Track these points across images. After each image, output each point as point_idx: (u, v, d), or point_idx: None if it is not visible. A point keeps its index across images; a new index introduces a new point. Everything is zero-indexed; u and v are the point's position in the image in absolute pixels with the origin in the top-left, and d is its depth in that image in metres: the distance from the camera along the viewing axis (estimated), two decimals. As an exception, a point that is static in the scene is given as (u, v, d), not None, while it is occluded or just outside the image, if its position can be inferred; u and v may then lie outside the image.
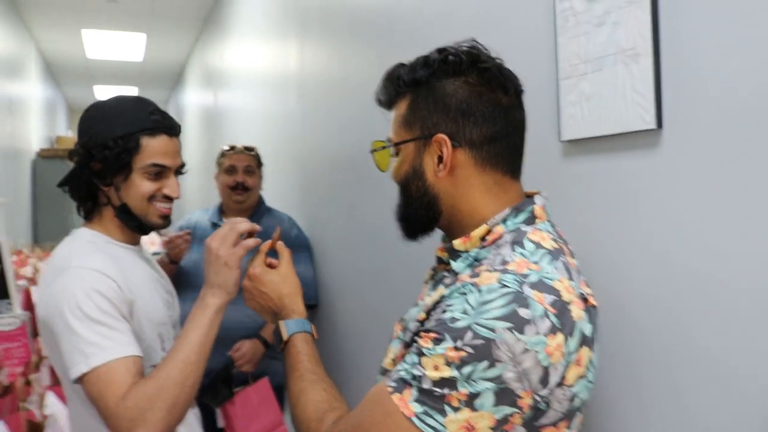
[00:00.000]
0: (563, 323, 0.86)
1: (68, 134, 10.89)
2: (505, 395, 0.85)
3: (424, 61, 1.02)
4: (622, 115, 1.10)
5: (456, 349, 0.85)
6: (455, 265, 1.00)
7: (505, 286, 0.87)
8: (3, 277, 3.22)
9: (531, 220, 0.99)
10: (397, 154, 1.06)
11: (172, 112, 12.10)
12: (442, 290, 0.97)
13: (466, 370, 0.84)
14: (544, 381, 0.85)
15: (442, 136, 0.99)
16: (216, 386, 2.46)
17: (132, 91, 10.98)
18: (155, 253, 2.57)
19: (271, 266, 1.29)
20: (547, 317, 0.85)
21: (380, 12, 2.18)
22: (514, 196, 1.02)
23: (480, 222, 1.00)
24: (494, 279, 0.88)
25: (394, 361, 1.02)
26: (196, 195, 7.46)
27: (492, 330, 0.84)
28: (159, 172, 1.45)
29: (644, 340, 1.09)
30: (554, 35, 1.26)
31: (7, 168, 5.76)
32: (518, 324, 0.84)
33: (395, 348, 1.05)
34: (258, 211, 2.80)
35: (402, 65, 1.06)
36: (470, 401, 0.85)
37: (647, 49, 1.05)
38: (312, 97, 2.99)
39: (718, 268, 0.95)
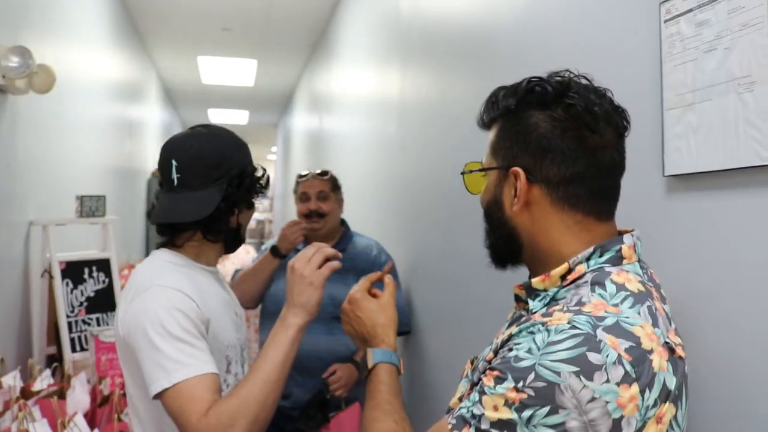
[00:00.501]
0: (640, 373, 0.79)
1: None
2: None
3: (514, 90, 0.98)
4: (734, 150, 1.00)
5: (517, 390, 0.81)
6: (533, 304, 0.95)
7: (576, 327, 0.81)
8: (111, 291, 3.39)
9: (618, 260, 0.93)
10: (484, 176, 1.05)
11: (279, 135, 12.63)
12: (513, 329, 0.91)
13: (526, 413, 0.80)
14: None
15: (517, 169, 0.95)
16: (311, 412, 2.42)
17: (243, 114, 11.45)
18: (266, 248, 2.67)
19: (373, 296, 1.28)
20: (621, 364, 0.78)
21: (481, 37, 2.13)
22: (602, 235, 0.95)
23: (560, 261, 0.94)
24: (565, 320, 0.83)
25: (461, 400, 0.99)
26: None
27: (557, 373, 0.79)
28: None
29: (749, 401, 0.97)
30: (660, 62, 1.18)
31: (125, 187, 6.10)
32: (586, 369, 0.78)
33: (463, 387, 1.02)
34: (344, 237, 2.73)
35: (503, 88, 1.02)
36: None
37: (764, 76, 0.95)
38: (412, 124, 2.98)
39: None
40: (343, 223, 2.79)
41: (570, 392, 0.78)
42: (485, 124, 1.05)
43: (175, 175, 1.44)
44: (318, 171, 2.74)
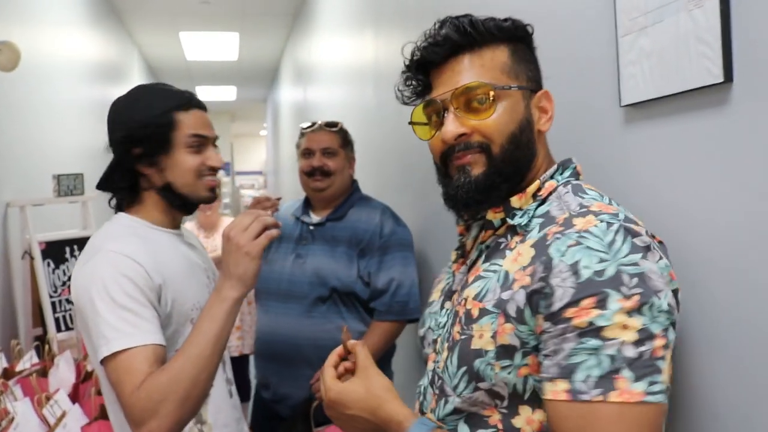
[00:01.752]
0: (662, 249, 0.90)
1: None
2: (674, 325, 0.85)
3: (513, 22, 1.04)
4: (687, 71, 0.96)
5: (626, 297, 0.82)
6: (518, 220, 0.98)
7: (610, 223, 0.87)
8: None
9: (576, 175, 1.03)
10: (491, 101, 0.99)
11: (269, 110, 12.51)
12: (523, 253, 0.92)
13: (647, 310, 0.82)
14: (678, 306, 0.87)
15: (547, 91, 1.05)
16: (294, 422, 2.14)
17: (231, 90, 11.34)
18: None
19: (348, 371, 1.07)
20: (654, 245, 0.88)
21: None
22: (552, 158, 1.08)
23: (533, 179, 1.02)
24: (593, 221, 0.88)
25: (495, 338, 0.91)
26: (290, 194, 7.57)
27: (635, 264, 0.84)
28: (199, 144, 1.45)
29: (709, 312, 0.94)
30: (612, -13, 1.13)
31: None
32: (644, 252, 0.85)
33: (489, 324, 0.93)
34: (349, 199, 2.30)
35: (471, 17, 1.02)
36: (667, 343, 0.83)
37: (713, -10, 0.90)
38: (387, 88, 2.92)
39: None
40: (353, 184, 2.37)
41: (654, 274, 0.84)
42: (470, 43, 1.01)
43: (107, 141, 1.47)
44: (326, 122, 2.32)
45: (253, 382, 2.78)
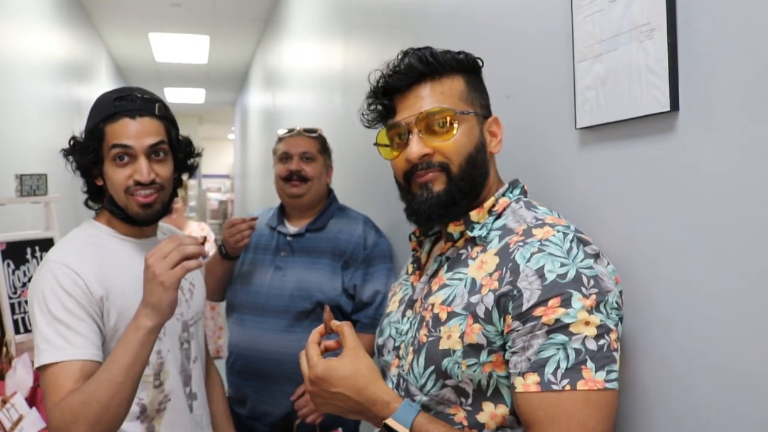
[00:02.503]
0: (608, 259, 1.01)
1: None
2: (621, 319, 0.97)
3: (467, 56, 1.15)
4: (637, 98, 1.01)
5: (585, 296, 0.92)
6: (477, 232, 1.08)
7: (565, 233, 0.98)
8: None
9: (525, 194, 1.15)
10: (450, 124, 1.09)
11: (237, 114, 12.44)
12: (490, 261, 1.02)
13: (603, 307, 0.93)
14: (622, 303, 0.99)
15: (496, 117, 1.15)
16: None
17: (199, 93, 11.25)
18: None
19: (328, 349, 1.10)
20: (601, 252, 1.00)
21: (411, 6, 2.12)
22: (500, 178, 1.18)
23: (486, 196, 1.12)
24: (551, 231, 0.99)
25: (463, 338, 0.99)
26: (257, 199, 7.55)
27: (590, 268, 0.95)
28: (125, 156, 1.38)
29: (654, 333, 0.99)
30: (571, 14, 1.18)
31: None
32: (595, 257, 0.97)
33: (457, 325, 1.01)
34: (327, 210, 2.23)
35: (426, 48, 1.13)
36: (618, 337, 0.94)
37: (661, 23, 0.95)
38: (355, 94, 2.96)
39: (735, 264, 0.85)
40: (329, 194, 2.31)
41: (605, 276, 0.95)
42: (431, 72, 1.11)
43: None
44: (304, 128, 2.27)
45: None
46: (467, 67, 1.14)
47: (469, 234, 1.08)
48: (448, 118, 1.08)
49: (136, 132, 1.38)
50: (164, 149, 1.43)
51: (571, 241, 0.97)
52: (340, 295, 2.09)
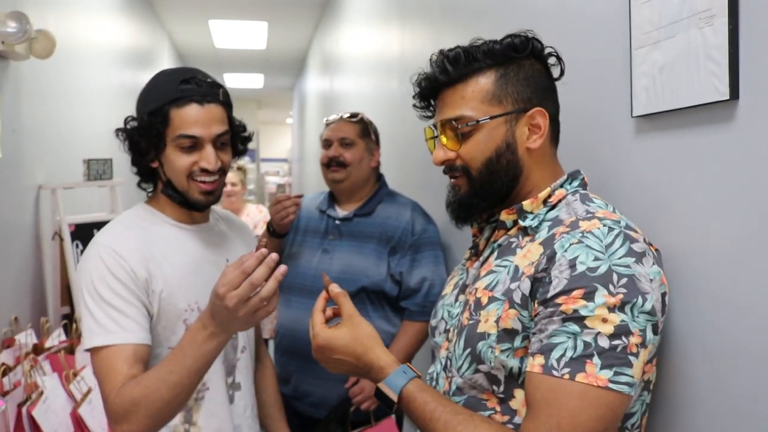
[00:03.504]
0: (658, 257, 0.99)
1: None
2: (656, 326, 0.94)
3: (511, 42, 1.10)
4: (695, 86, 0.99)
5: (611, 294, 0.91)
6: (529, 222, 1.07)
7: (611, 228, 0.97)
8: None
9: (584, 186, 1.13)
10: (466, 132, 1.09)
11: (295, 99, 12.55)
12: (532, 249, 1.02)
13: (629, 309, 0.91)
14: (663, 309, 0.96)
15: (540, 109, 1.09)
16: (329, 426, 2.09)
17: (258, 78, 11.41)
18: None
19: (336, 315, 1.17)
20: (650, 251, 0.97)
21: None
22: (557, 166, 1.16)
23: (540, 189, 1.11)
24: (597, 224, 0.97)
25: (498, 322, 1.01)
26: (314, 182, 7.63)
27: (627, 266, 0.93)
28: (192, 145, 1.36)
29: (718, 326, 0.98)
30: (628, 0, 1.16)
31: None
32: (638, 257, 0.94)
33: (494, 310, 1.03)
34: (376, 195, 2.25)
35: (461, 47, 1.12)
36: (643, 342, 0.91)
37: (723, 8, 0.93)
38: (411, 82, 2.95)
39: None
40: (380, 179, 2.32)
41: (643, 278, 0.93)
42: (456, 77, 1.10)
43: None
44: (347, 114, 2.29)
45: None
46: (503, 58, 1.09)
47: (521, 223, 1.09)
48: (463, 126, 1.09)
49: (204, 120, 1.36)
50: (228, 138, 1.43)
51: (616, 236, 0.96)
52: (385, 280, 2.12)
